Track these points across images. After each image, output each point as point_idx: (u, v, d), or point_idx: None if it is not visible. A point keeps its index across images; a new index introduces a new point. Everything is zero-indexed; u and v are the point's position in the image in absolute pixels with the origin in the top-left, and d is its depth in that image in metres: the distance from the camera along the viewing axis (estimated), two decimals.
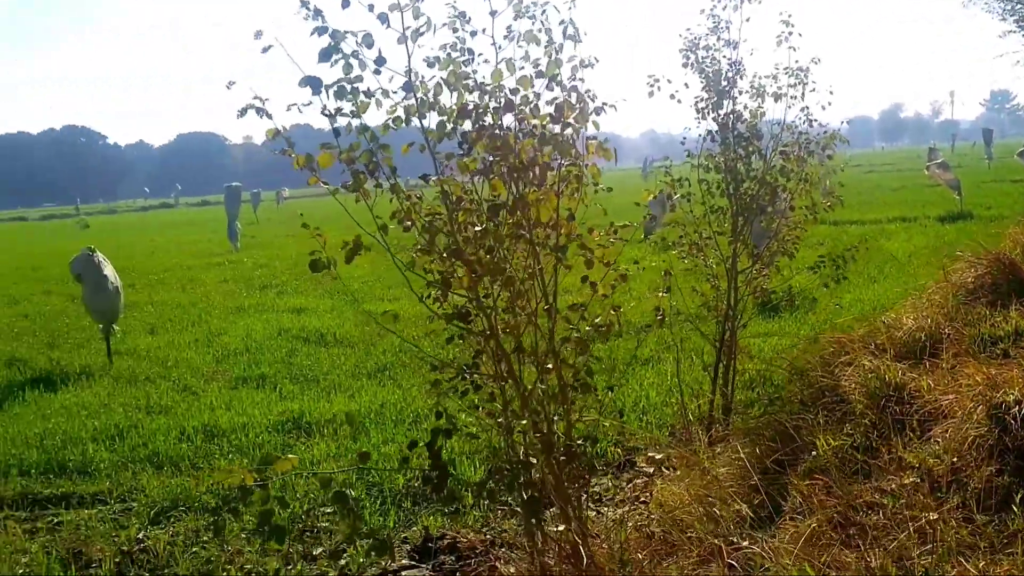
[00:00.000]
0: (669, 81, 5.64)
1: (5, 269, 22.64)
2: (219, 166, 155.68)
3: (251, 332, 11.12)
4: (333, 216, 3.65)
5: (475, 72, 3.24)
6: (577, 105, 3.30)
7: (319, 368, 8.93)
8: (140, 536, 5.04)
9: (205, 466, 6.12)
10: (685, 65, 5.88)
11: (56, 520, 5.40)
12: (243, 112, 2.88)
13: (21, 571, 4.66)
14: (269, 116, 2.93)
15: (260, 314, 12.74)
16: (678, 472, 4.71)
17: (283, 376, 8.73)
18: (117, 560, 4.72)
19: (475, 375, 3.58)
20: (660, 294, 4.64)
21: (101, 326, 10.07)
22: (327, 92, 2.94)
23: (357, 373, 8.66)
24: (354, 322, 11.20)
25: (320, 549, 4.62)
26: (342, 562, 4.39)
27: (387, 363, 8.90)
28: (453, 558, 4.51)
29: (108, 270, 10.12)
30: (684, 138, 6.03)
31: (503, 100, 3.22)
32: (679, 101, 5.82)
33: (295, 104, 2.97)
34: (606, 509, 5.04)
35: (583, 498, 4.00)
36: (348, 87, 2.97)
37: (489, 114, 3.22)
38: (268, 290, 15.60)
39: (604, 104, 3.36)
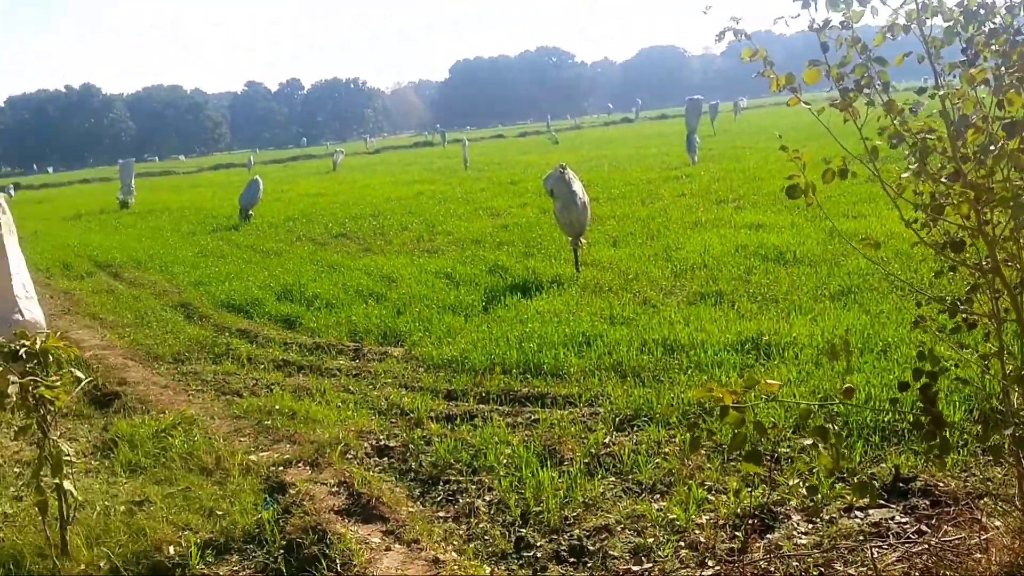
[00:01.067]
0: None
1: (487, 183, 25.27)
2: (677, 80, 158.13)
3: (708, 247, 11.13)
4: (798, 127, 3.36)
5: None
6: None
7: (778, 288, 8.63)
8: (606, 440, 5.34)
9: (665, 379, 6.27)
10: None
11: (533, 417, 5.92)
12: (721, 36, 2.75)
13: (504, 461, 5.19)
14: (748, 37, 2.76)
15: (717, 229, 12.69)
16: None
17: (740, 294, 8.59)
18: (586, 461, 5.05)
19: (967, 313, 3.13)
20: None
21: (570, 238, 10.77)
22: (814, 4, 2.66)
23: (819, 295, 8.21)
24: (816, 240, 10.66)
25: (795, 480, 4.45)
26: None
27: (852, 285, 8.31)
28: (927, 502, 4.10)
29: (577, 186, 10.75)
30: None
31: None
32: None
33: (781, 17, 2.75)
34: None
35: None
36: None
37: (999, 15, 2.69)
38: (725, 204, 15.47)
39: None
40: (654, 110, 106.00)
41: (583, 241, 10.93)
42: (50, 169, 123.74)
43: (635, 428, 5.53)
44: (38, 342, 4.45)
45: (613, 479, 4.83)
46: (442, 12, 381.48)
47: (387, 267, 12.16)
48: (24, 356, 4.40)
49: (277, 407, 6.64)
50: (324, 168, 49.32)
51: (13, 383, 4.23)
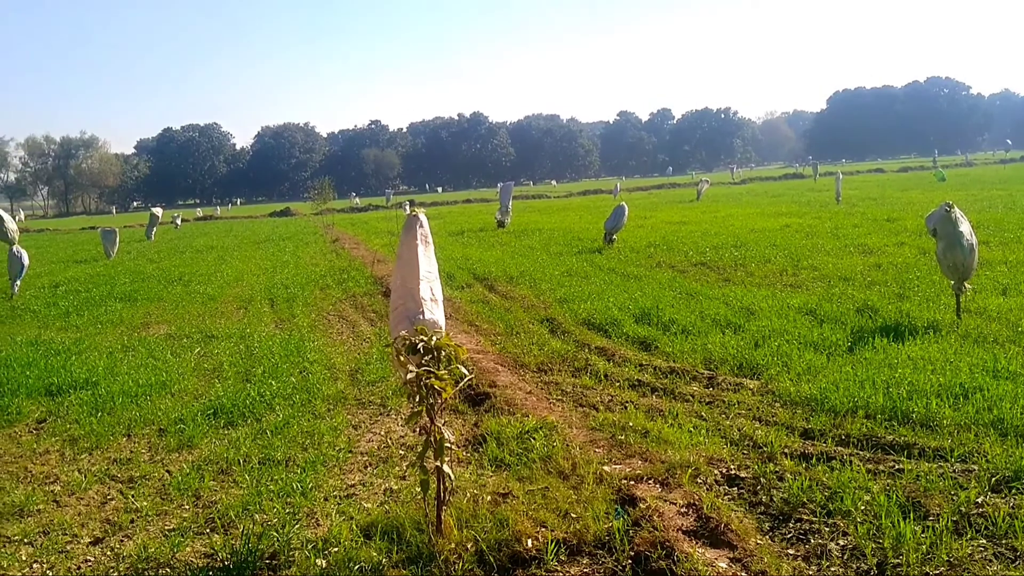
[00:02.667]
0: None
1: (860, 219, 23.85)
2: None
3: None
4: None
5: None
6: None
7: None
8: (979, 500, 4.89)
9: None
10: None
11: (896, 466, 5.55)
12: None
13: (862, 507, 4.93)
14: None
15: None
16: None
17: None
18: (954, 518, 4.66)
19: None
20: None
21: (953, 283, 9.88)
22: None
23: None
24: None
25: None
26: None
27: None
28: None
29: (964, 226, 9.82)
30: None
31: None
32: None
33: None
34: None
35: None
36: None
37: None
38: None
39: None
40: None
41: (967, 286, 9.96)
42: (439, 189, 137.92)
43: (1013, 490, 5.00)
44: (433, 339, 5.05)
45: (984, 541, 4.43)
46: (821, 39, 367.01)
47: (746, 298, 12.00)
48: (421, 350, 5.01)
49: (631, 424, 6.88)
50: (688, 197, 49.74)
51: (411, 371, 4.85)
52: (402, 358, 4.95)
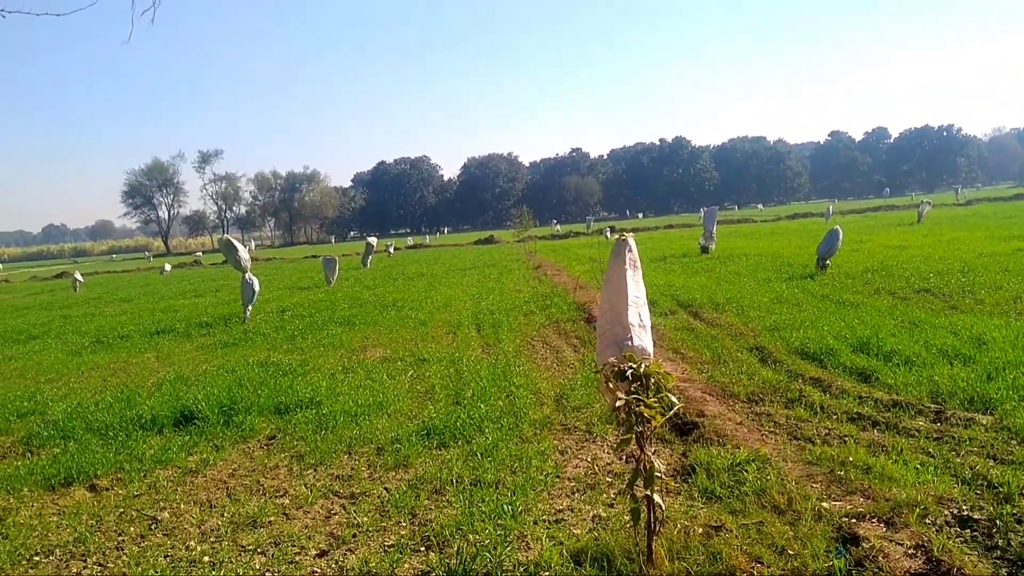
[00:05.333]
0: None
1: None
2: None
3: None
4: None
5: None
6: None
7: None
8: None
9: None
10: None
11: None
12: None
13: None
14: None
15: None
16: None
17: None
18: None
19: None
20: None
21: None
22: None
23: None
24: None
25: None
26: None
27: None
28: None
29: None
30: None
31: None
32: None
33: None
34: None
35: None
36: None
37: None
38: None
39: None
40: None
41: None
42: (640, 214, 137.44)
43: None
44: (642, 366, 5.01)
45: None
46: None
47: (977, 327, 11.09)
48: (630, 377, 4.99)
49: (850, 459, 6.52)
50: (907, 219, 46.78)
51: (620, 398, 4.84)
52: (610, 385, 4.95)
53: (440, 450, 7.78)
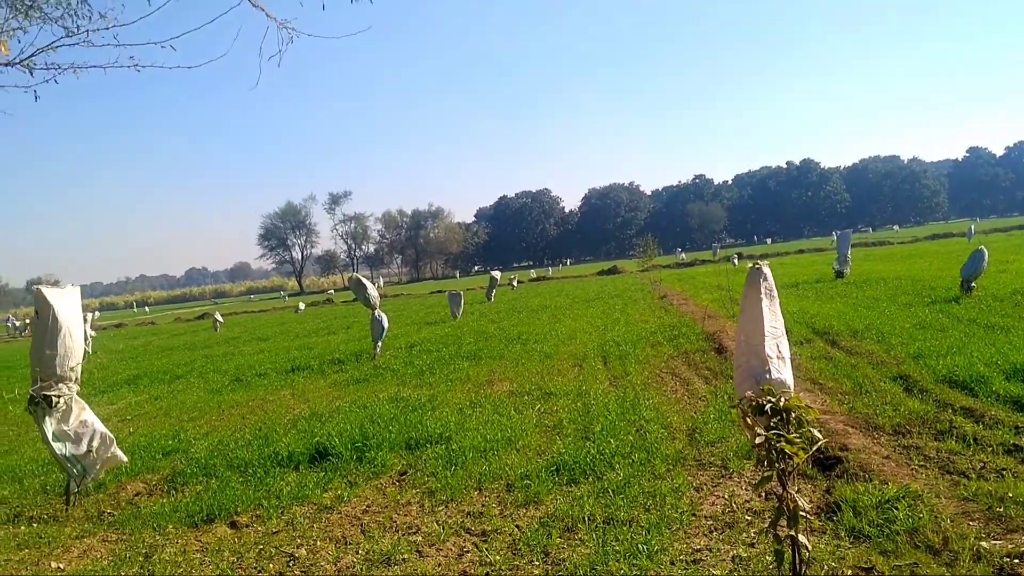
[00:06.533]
0: None
1: None
2: None
3: None
4: None
5: None
6: None
7: None
8: None
9: None
10: None
11: None
12: None
13: None
14: None
15: None
16: None
17: None
18: None
19: None
20: None
21: None
22: None
23: None
24: None
25: None
26: None
27: None
28: None
29: None
30: None
31: None
32: None
33: None
34: None
35: None
36: None
37: None
38: None
39: None
40: None
41: None
42: (768, 240, 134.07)
43: None
44: (782, 400, 4.79)
45: None
46: None
47: None
48: (769, 411, 4.78)
49: (1010, 494, 6.06)
50: None
51: (760, 434, 4.63)
52: (749, 420, 4.75)
53: (570, 486, 7.66)
